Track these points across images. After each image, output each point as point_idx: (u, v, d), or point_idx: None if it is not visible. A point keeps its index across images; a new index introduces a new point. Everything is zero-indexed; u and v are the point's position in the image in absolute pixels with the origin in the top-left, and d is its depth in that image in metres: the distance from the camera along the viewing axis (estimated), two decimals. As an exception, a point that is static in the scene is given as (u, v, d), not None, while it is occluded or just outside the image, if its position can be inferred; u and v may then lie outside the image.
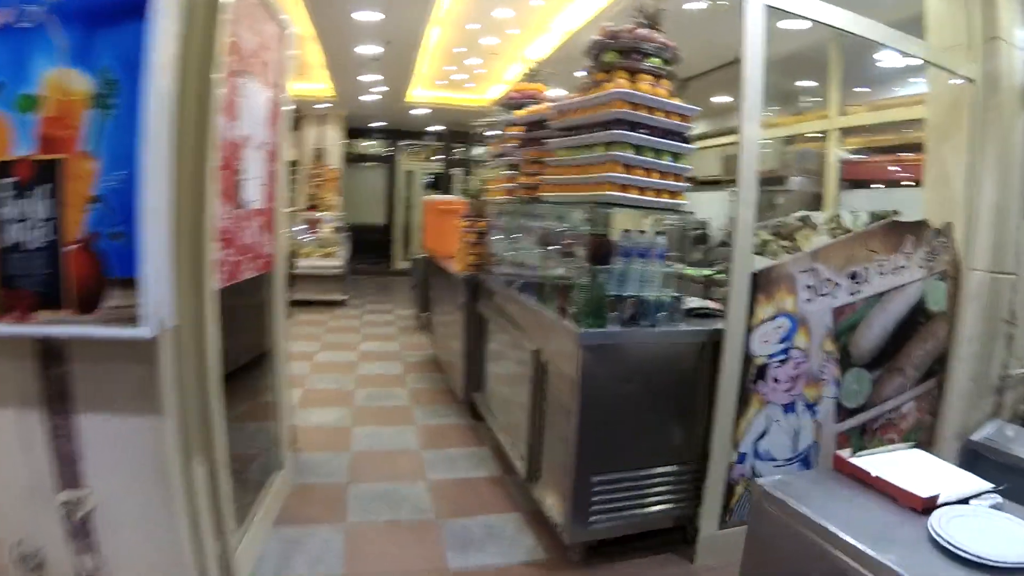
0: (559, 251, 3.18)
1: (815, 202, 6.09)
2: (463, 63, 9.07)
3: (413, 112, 12.40)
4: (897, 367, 3.30)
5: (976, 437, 3.23)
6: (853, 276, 3.11)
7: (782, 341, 2.93)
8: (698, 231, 6.97)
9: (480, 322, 4.71)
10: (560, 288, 3.10)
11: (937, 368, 3.47)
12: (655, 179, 2.82)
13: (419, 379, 6.10)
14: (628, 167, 2.76)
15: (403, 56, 8.40)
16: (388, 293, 12.00)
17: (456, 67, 9.40)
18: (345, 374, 6.14)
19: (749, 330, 2.83)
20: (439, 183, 15.01)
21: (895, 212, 3.54)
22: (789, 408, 3.00)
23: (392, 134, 15.26)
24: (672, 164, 2.86)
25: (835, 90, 6.15)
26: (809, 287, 2.97)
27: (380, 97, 11.35)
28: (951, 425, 3.46)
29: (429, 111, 12.24)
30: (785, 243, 3.03)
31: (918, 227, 3.35)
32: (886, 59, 6.09)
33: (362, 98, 11.45)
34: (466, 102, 11.25)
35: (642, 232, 2.89)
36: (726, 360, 2.82)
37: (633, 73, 2.81)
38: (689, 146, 2.91)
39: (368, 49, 8.14)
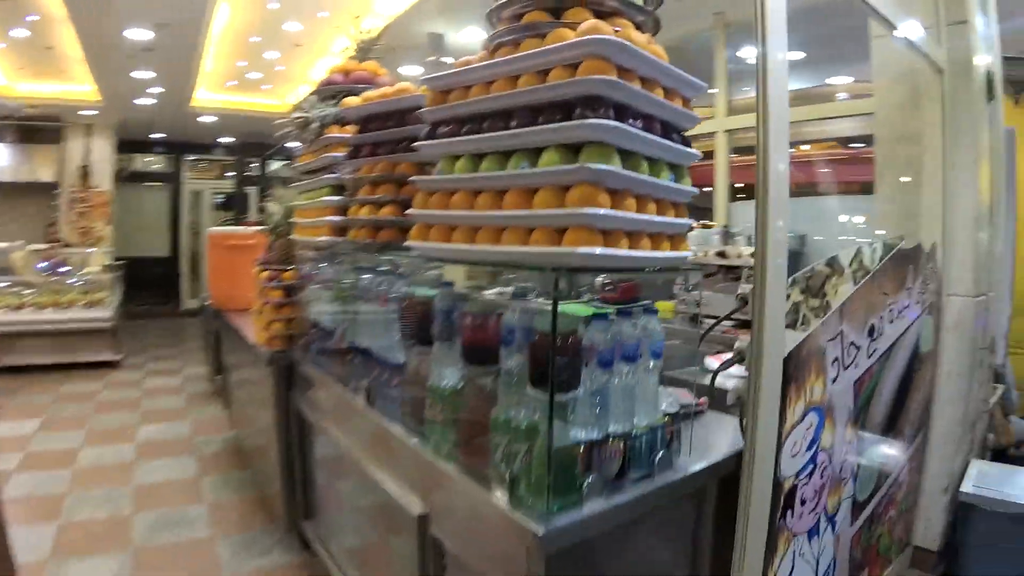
0: (462, 350, 1.74)
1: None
2: (259, 57, 7.38)
3: (200, 120, 10.37)
4: (899, 432, 2.68)
5: (966, 488, 2.77)
6: (871, 332, 2.33)
7: (810, 447, 1.95)
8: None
9: (302, 424, 3.16)
10: (470, 423, 1.69)
11: (925, 418, 2.94)
12: (652, 214, 1.46)
13: (222, 483, 4.40)
14: (614, 193, 1.38)
15: (183, 45, 6.67)
16: (176, 341, 9.91)
17: (250, 63, 7.67)
18: (119, 484, 4.32)
19: (779, 444, 1.76)
20: (233, 204, 12.86)
21: (901, 238, 2.59)
22: (813, 532, 2.09)
23: (175, 147, 12.87)
24: (674, 184, 1.53)
25: (723, 87, 5.30)
26: (836, 360, 2.09)
27: (158, 101, 9.31)
28: (937, 479, 2.95)
29: (218, 118, 10.26)
30: (815, 301, 1.87)
31: (915, 254, 2.69)
32: (750, 56, 5.42)
33: (136, 102, 9.33)
34: (262, 108, 9.41)
35: (623, 312, 1.53)
36: (752, 500, 1.67)
37: (600, 17, 1.45)
38: (695, 152, 1.59)
39: (137, 34, 6.33)
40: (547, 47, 1.40)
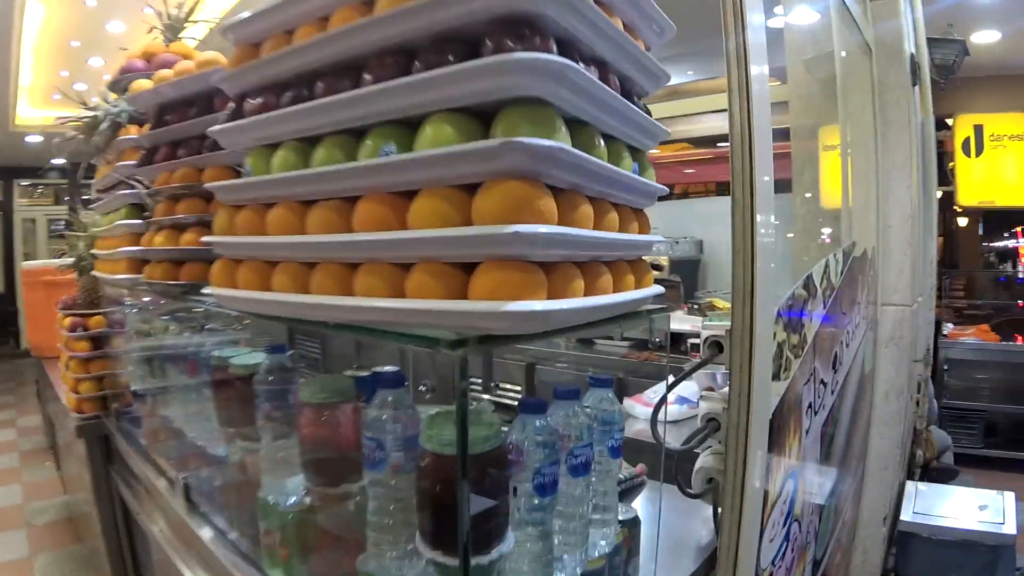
0: (303, 460, 1.03)
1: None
2: (83, 65, 6.24)
3: (27, 140, 8.91)
4: (848, 468, 2.25)
5: (906, 516, 2.49)
6: (835, 363, 1.85)
7: (785, 522, 1.44)
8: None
9: (126, 509, 2.35)
10: (326, 563, 1.01)
11: (864, 445, 2.57)
12: (615, 229, 0.82)
13: (56, 564, 3.52)
14: (557, 195, 0.69)
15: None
16: (14, 386, 8.45)
17: (74, 72, 6.51)
18: (-62, 580, 3.40)
19: (761, 533, 1.21)
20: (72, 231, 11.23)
21: (853, 244, 2.10)
22: (780, 616, 1.60)
23: (4, 172, 11.10)
24: (642, 179, 0.89)
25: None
26: (809, 407, 1.59)
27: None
28: (875, 508, 2.58)
29: (47, 138, 8.84)
30: (795, 337, 1.30)
31: (862, 262, 2.22)
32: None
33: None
34: (95, 122, 8.17)
35: (564, 394, 0.89)
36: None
37: None
38: (662, 128, 0.94)
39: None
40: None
